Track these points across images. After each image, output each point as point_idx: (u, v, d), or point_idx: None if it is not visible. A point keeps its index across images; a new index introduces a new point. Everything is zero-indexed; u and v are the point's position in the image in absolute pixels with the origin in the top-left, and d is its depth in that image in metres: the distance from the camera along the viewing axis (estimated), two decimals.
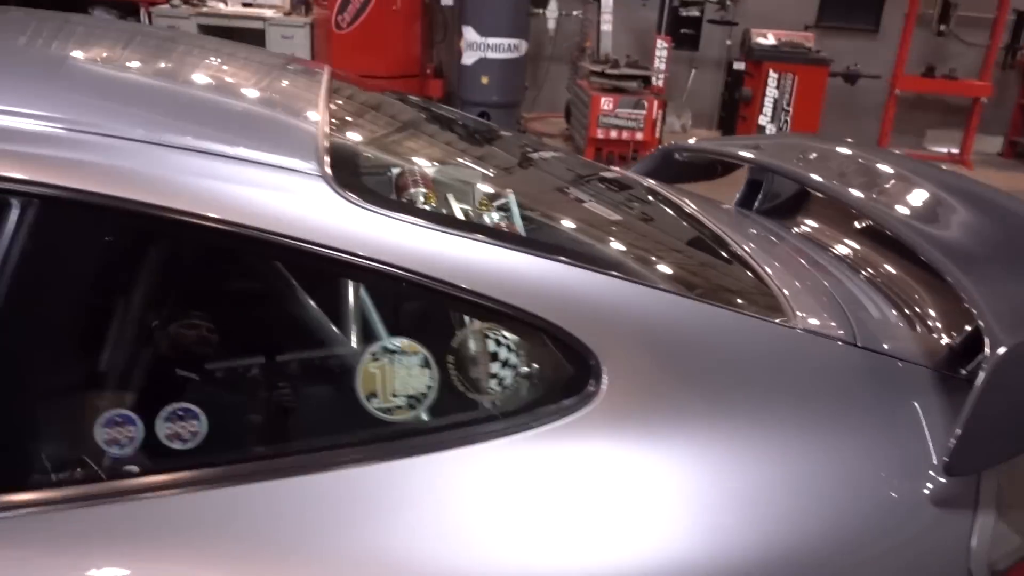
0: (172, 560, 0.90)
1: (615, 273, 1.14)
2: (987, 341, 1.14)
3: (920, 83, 7.44)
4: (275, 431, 1.13)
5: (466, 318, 1.08)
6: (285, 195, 1.02)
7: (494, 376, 1.07)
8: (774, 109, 7.02)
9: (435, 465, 1.01)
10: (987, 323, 1.16)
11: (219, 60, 1.62)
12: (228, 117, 1.19)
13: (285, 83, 1.55)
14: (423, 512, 0.98)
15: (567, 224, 1.52)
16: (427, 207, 1.19)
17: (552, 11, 7.47)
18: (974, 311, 1.17)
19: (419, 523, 0.97)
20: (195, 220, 0.95)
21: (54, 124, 0.98)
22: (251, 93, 1.41)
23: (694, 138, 6.55)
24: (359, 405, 1.00)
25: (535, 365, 1.09)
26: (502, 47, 7.23)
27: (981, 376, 1.10)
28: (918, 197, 1.66)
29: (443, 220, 1.10)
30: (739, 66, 7.16)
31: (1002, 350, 1.11)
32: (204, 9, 8.01)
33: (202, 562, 0.91)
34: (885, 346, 1.30)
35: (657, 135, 6.59)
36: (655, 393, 1.10)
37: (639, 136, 6.39)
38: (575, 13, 7.58)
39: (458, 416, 1.06)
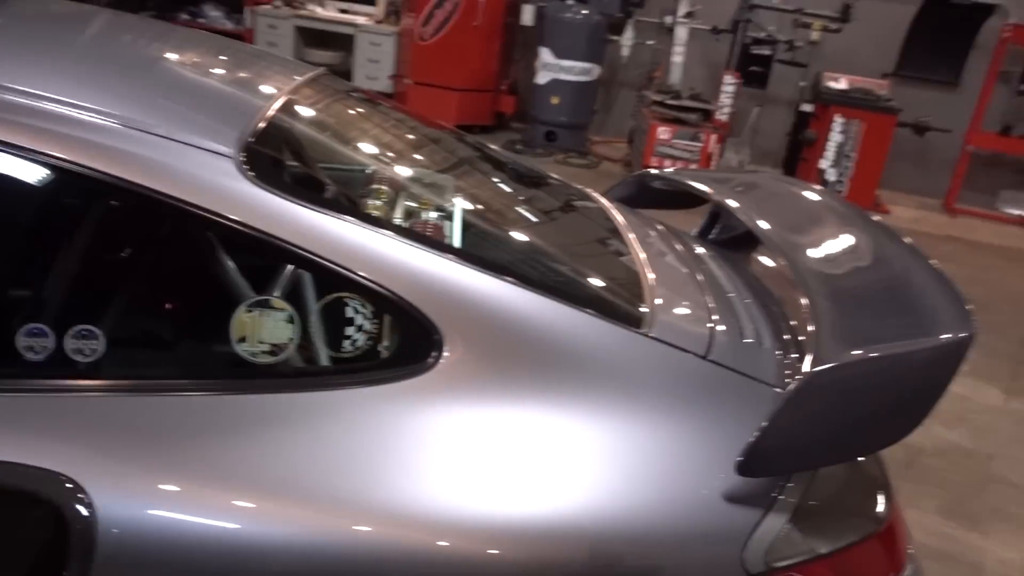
0: (63, 444, 1.14)
1: (474, 265, 1.33)
2: (806, 360, 1.28)
3: (994, 141, 7.29)
4: (161, 359, 1.38)
5: (334, 286, 1.29)
6: (202, 169, 1.26)
7: (348, 338, 1.28)
8: (837, 154, 7.00)
9: (286, 404, 1.22)
10: (812, 345, 1.30)
11: (218, 54, 1.89)
12: (167, 105, 1.44)
13: (258, 79, 1.81)
14: (270, 439, 1.19)
15: (487, 225, 1.72)
16: (328, 196, 1.41)
17: (627, 39, 7.65)
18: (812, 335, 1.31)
19: (265, 448, 1.18)
20: (121, 182, 1.20)
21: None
22: (217, 83, 1.68)
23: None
24: (231, 346, 1.23)
25: (386, 332, 1.30)
26: (575, 70, 7.46)
27: (788, 389, 1.24)
28: (833, 240, 1.79)
29: (326, 204, 1.32)
30: (806, 108, 7.17)
31: (809, 369, 1.24)
32: (303, 12, 8.51)
33: (88, 452, 1.14)
34: (734, 362, 1.45)
35: (712, 167, 6.68)
36: (490, 370, 1.28)
37: (693, 167, 6.50)
38: (650, 43, 7.74)
39: (313, 367, 1.28)
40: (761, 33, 7.19)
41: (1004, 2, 7.16)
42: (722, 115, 6.95)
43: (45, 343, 1.19)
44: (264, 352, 1.24)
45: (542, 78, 7.56)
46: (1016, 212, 7.59)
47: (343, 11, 8.51)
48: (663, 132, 6.53)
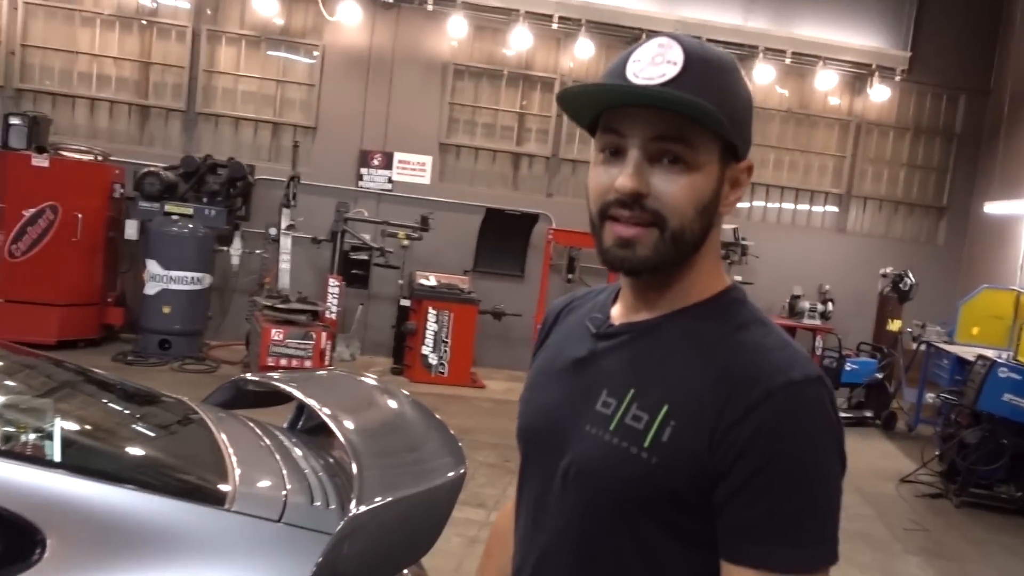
0: None
1: (72, 473, 1.62)
2: (351, 507, 1.74)
3: None
4: None
5: None
6: None
7: None
8: (435, 340, 8.01)
9: None
10: (355, 496, 1.77)
11: None
12: None
13: None
14: None
15: (86, 438, 1.98)
16: None
17: (236, 248, 8.12)
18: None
19: None
20: None
21: None
22: None
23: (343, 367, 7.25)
24: None
25: None
26: (185, 279, 7.69)
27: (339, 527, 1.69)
28: (374, 413, 2.34)
29: None
30: (405, 302, 8.16)
31: (350, 515, 1.71)
32: None
33: None
34: (305, 521, 1.87)
35: (327, 362, 7.24)
36: (90, 559, 1.56)
37: (308, 364, 6.99)
38: (258, 251, 8.29)
39: None
40: (357, 241, 8.14)
41: (547, 211, 9.00)
42: (330, 314, 7.63)
43: None
44: None
45: (151, 288, 7.65)
46: None
47: None
48: (276, 333, 6.98)
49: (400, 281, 8.50)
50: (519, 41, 8.76)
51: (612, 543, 0.98)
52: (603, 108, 0.97)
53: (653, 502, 0.94)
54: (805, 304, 9.02)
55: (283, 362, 6.97)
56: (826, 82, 9.34)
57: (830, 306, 8.99)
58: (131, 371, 7.05)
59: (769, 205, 9.88)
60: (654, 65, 0.94)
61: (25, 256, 7.47)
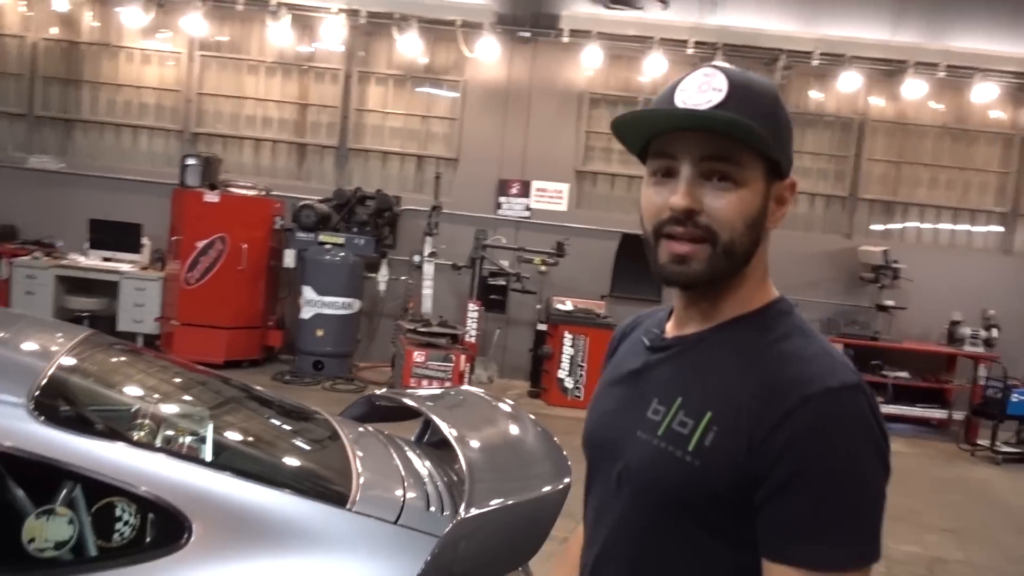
0: None
1: (217, 471, 1.84)
2: (460, 511, 1.88)
3: None
4: None
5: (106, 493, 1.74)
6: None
7: (118, 531, 1.72)
8: (571, 364, 8.12)
9: None
10: (464, 502, 1.91)
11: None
12: None
13: (33, 342, 2.28)
14: None
15: (235, 440, 2.23)
16: (106, 428, 1.89)
17: (383, 276, 8.58)
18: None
19: None
20: None
21: None
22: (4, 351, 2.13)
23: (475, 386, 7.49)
24: (22, 545, 1.63)
25: (148, 522, 1.75)
26: (336, 304, 8.20)
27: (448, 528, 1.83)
28: (486, 430, 2.48)
29: (100, 434, 1.81)
30: (541, 327, 8.33)
31: (459, 518, 1.84)
32: (64, 262, 8.70)
33: None
34: (419, 525, 2.02)
35: (466, 384, 7.49)
36: (230, 546, 1.77)
37: (448, 385, 7.26)
38: (403, 278, 8.72)
39: (90, 555, 1.70)
40: (495, 267, 8.41)
41: None
42: (469, 337, 7.91)
43: None
44: (49, 548, 1.65)
45: (306, 313, 8.21)
46: None
47: (107, 259, 8.80)
48: (418, 356, 7.31)
49: (538, 306, 8.69)
50: (654, 68, 8.81)
51: (661, 542, 1.05)
52: (655, 134, 1.06)
53: (697, 503, 1.01)
54: (966, 330, 8.48)
55: (425, 383, 7.28)
56: (985, 95, 8.80)
57: (994, 332, 8.41)
58: (287, 389, 7.58)
59: (924, 226, 9.36)
60: (700, 92, 1.03)
61: (198, 283, 8.21)
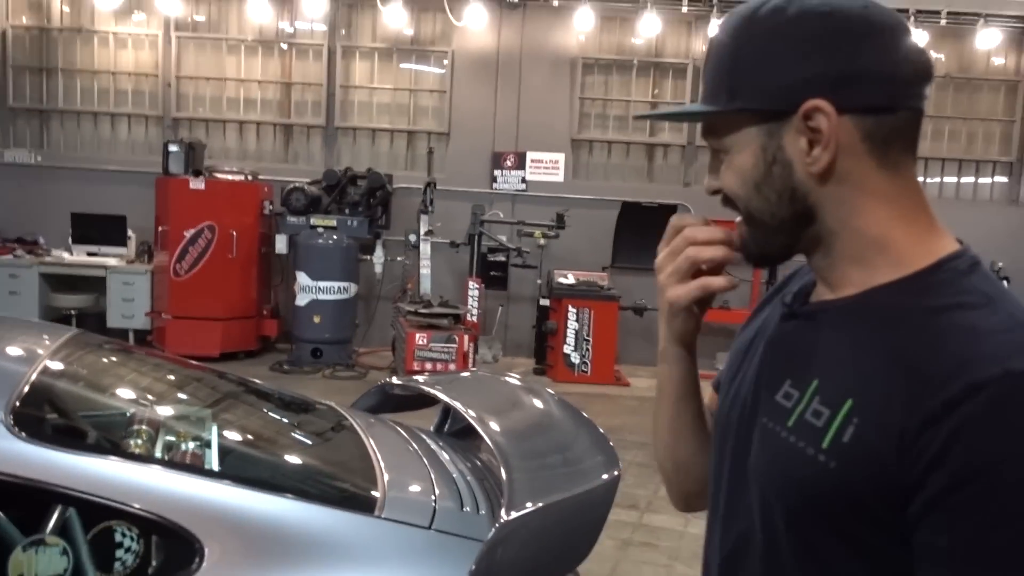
0: None
1: (227, 481, 1.62)
2: (501, 513, 1.67)
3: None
4: None
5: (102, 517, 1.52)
6: None
7: (119, 559, 1.50)
8: (576, 339, 7.91)
9: None
10: (505, 502, 1.69)
11: None
12: None
13: (11, 345, 2.04)
14: None
15: (244, 445, 2.00)
16: (98, 440, 1.66)
17: (378, 257, 8.33)
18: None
19: None
20: None
21: None
22: None
23: (482, 369, 7.28)
24: None
25: (153, 549, 1.53)
26: (332, 289, 7.95)
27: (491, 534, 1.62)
28: (520, 415, 2.26)
29: (90, 449, 1.57)
30: (544, 302, 8.10)
31: (502, 520, 1.63)
32: (48, 259, 8.42)
33: None
34: (454, 528, 1.81)
35: (470, 364, 7.28)
36: (247, 570, 1.55)
37: (451, 367, 7.05)
38: (399, 258, 8.47)
39: None
40: (494, 243, 8.16)
41: (685, 202, 8.72)
42: (471, 317, 7.67)
43: None
44: None
45: (302, 300, 7.95)
46: None
47: (92, 254, 8.51)
48: (420, 338, 7.08)
49: (539, 281, 8.46)
50: (648, 28, 8.53)
51: (789, 556, 0.84)
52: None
53: (833, 513, 0.80)
54: None
55: (428, 366, 7.06)
56: (988, 41, 8.56)
57: (1004, 284, 8.23)
58: (286, 379, 7.35)
59: (929, 181, 9.15)
60: None
61: (188, 275, 7.94)
